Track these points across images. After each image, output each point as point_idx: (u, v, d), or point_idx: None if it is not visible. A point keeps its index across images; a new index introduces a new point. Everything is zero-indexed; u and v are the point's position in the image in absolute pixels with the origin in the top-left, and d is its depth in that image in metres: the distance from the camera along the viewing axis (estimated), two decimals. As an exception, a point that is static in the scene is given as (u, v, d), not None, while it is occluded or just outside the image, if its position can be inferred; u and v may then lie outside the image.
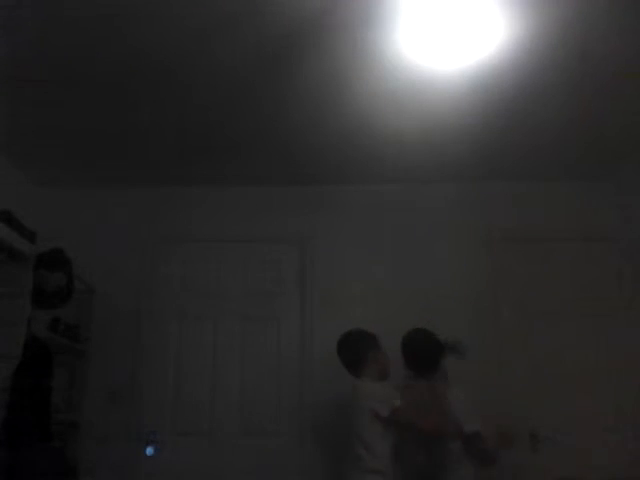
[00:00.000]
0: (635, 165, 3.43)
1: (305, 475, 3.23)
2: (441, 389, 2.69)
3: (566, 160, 3.43)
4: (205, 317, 3.56)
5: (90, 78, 2.65)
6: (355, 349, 2.82)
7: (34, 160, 3.41)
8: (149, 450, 3.30)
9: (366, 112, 2.90)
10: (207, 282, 3.63)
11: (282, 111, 2.92)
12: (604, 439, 3.18)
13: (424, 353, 2.84)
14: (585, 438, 3.18)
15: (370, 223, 3.65)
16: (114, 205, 3.72)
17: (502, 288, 3.48)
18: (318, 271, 3.58)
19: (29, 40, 2.38)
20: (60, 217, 3.52)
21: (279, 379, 3.44)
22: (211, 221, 3.68)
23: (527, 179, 3.61)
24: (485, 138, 3.16)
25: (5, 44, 2.38)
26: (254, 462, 3.27)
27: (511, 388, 3.28)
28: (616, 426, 3.21)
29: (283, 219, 3.67)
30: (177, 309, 3.59)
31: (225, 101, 2.83)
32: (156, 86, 2.72)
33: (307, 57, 2.49)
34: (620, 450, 3.15)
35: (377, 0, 2.17)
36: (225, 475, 3.25)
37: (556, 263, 3.53)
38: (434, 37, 2.36)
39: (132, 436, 3.32)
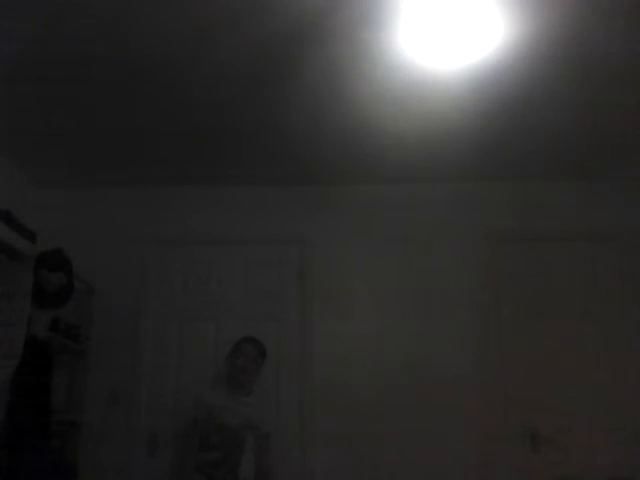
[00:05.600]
0: (635, 165, 3.43)
1: (305, 475, 3.23)
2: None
3: (566, 160, 3.43)
4: (205, 317, 3.56)
5: (90, 78, 2.64)
6: None
7: (34, 160, 3.41)
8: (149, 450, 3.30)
9: (366, 112, 2.90)
10: (207, 282, 3.63)
11: (282, 111, 2.92)
12: (604, 439, 3.18)
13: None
14: (585, 438, 3.19)
15: (370, 223, 3.65)
16: (114, 205, 3.72)
17: (502, 288, 3.48)
18: (318, 271, 3.58)
19: (29, 40, 2.38)
20: (60, 217, 3.52)
21: (279, 379, 3.44)
22: (211, 221, 3.67)
23: (527, 179, 3.62)
24: (485, 138, 3.16)
25: (5, 44, 2.38)
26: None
27: (511, 388, 3.28)
28: (616, 426, 3.20)
29: (283, 219, 3.67)
30: (177, 309, 3.59)
31: (225, 101, 2.83)
32: (156, 86, 2.72)
33: (307, 57, 2.49)
34: (620, 450, 3.15)
35: (377, 0, 2.17)
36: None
37: (556, 263, 3.54)
38: (434, 37, 2.36)
39: (132, 436, 3.32)
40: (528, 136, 3.15)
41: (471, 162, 3.44)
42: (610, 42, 2.40)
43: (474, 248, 3.53)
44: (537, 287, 3.50)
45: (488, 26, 2.30)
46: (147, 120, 3.01)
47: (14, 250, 2.75)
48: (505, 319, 3.42)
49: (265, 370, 3.08)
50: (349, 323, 3.47)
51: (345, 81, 2.67)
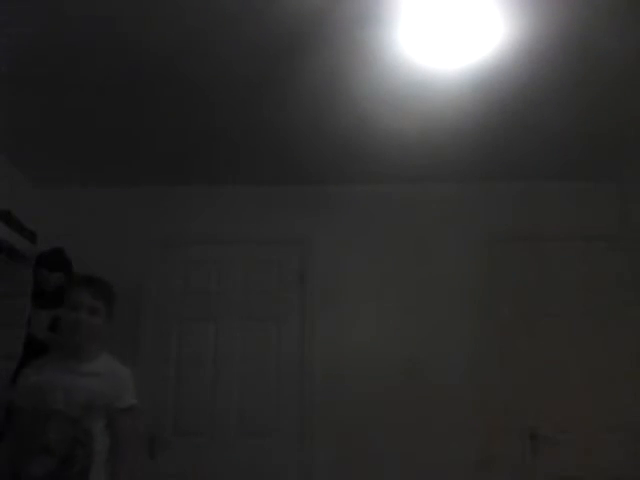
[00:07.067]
0: (635, 165, 3.43)
1: (305, 475, 3.23)
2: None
3: (566, 160, 3.43)
4: (205, 317, 3.56)
5: (90, 78, 2.64)
6: None
7: (34, 160, 3.41)
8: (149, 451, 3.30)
9: (366, 112, 2.90)
10: (207, 282, 3.63)
11: (282, 111, 2.92)
12: (604, 439, 3.17)
13: None
14: (585, 438, 3.18)
15: (370, 223, 3.65)
16: (114, 205, 3.72)
17: (502, 288, 3.48)
18: (318, 271, 3.58)
19: (29, 40, 2.38)
20: (60, 217, 3.52)
21: (279, 379, 3.44)
22: (211, 221, 3.67)
23: (527, 179, 3.62)
24: (485, 138, 3.16)
25: (5, 44, 2.39)
26: (254, 462, 3.27)
27: (511, 388, 3.28)
28: (616, 426, 3.20)
29: (283, 219, 3.67)
30: (177, 309, 3.59)
31: (225, 101, 2.83)
32: (156, 86, 2.72)
33: (307, 57, 2.49)
34: (620, 450, 3.15)
35: (377, 0, 2.17)
36: (224, 475, 3.25)
37: (556, 263, 3.53)
38: (434, 37, 2.36)
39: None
40: (528, 136, 3.15)
41: (471, 162, 3.44)
42: (610, 42, 2.40)
43: (474, 248, 3.53)
44: (537, 287, 3.50)
45: (488, 26, 2.30)
46: (147, 120, 3.01)
47: (14, 250, 2.76)
48: (505, 319, 3.42)
49: (123, 319, 2.19)
50: (349, 323, 3.47)
51: (345, 81, 2.67)
